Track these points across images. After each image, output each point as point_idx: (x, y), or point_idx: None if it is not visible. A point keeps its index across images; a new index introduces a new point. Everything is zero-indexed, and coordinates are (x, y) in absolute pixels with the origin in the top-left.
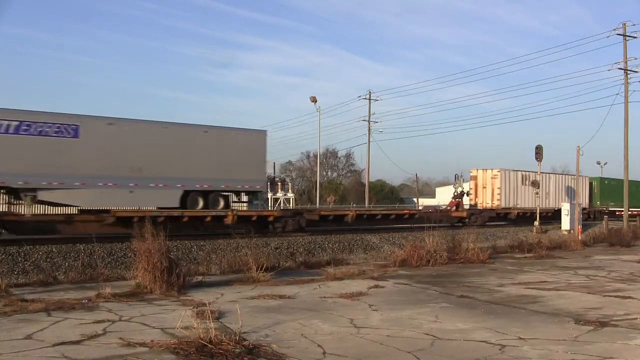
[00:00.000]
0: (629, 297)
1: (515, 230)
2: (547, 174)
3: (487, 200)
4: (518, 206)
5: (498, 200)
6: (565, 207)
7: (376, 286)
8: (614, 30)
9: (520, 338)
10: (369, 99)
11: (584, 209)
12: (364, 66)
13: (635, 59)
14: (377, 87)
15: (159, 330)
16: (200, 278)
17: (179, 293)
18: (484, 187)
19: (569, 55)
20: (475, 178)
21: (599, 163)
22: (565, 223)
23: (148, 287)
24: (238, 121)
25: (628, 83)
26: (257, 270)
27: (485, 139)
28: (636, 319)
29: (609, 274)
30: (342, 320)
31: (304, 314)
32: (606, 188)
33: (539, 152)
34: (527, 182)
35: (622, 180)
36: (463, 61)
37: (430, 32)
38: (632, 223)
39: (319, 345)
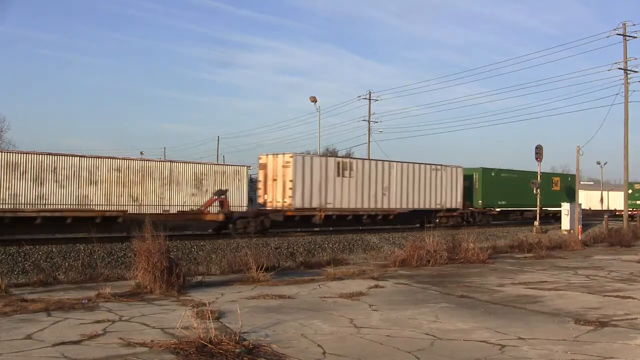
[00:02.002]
0: (629, 297)
1: (515, 230)
2: (388, 162)
3: (277, 197)
4: (329, 206)
5: (290, 197)
6: (565, 207)
7: (376, 286)
8: (614, 30)
9: (520, 338)
10: (369, 99)
11: (450, 209)
12: (364, 66)
13: (635, 59)
14: (377, 86)
15: (159, 330)
16: (200, 278)
17: (179, 293)
18: (274, 180)
19: (569, 55)
20: (264, 167)
21: (599, 163)
22: (565, 223)
23: (148, 287)
24: (238, 121)
25: (628, 83)
26: (257, 270)
27: (485, 139)
28: (636, 319)
29: (609, 273)
30: (342, 320)
31: (304, 314)
32: (493, 182)
33: (539, 152)
34: (346, 172)
35: (517, 171)
36: (463, 61)
37: (431, 32)
38: (632, 223)
39: (319, 345)
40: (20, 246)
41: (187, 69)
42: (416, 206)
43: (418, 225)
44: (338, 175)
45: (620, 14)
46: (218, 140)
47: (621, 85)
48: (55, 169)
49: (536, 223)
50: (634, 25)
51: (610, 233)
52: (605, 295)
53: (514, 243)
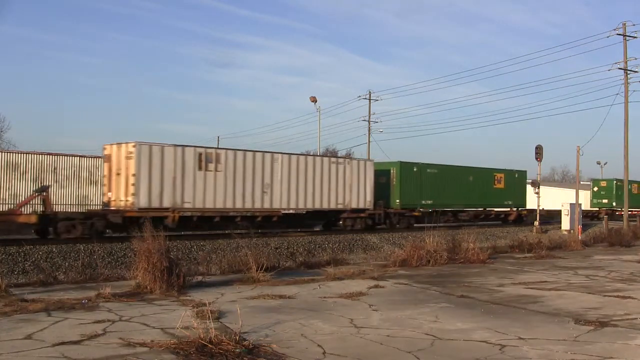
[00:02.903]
0: (629, 297)
1: (515, 230)
2: (270, 154)
3: (120, 195)
4: (186, 205)
5: (133, 195)
6: (565, 207)
7: (376, 286)
8: (614, 30)
9: (520, 338)
10: (369, 99)
11: (357, 210)
12: (364, 66)
13: (635, 59)
14: (378, 86)
15: (159, 330)
16: (200, 278)
17: (179, 293)
18: (117, 174)
19: (569, 55)
20: (109, 159)
21: (599, 163)
22: (565, 223)
23: (148, 287)
24: (238, 121)
25: (628, 83)
26: (257, 270)
27: (485, 139)
28: (636, 319)
29: (609, 273)
30: (342, 320)
31: (304, 314)
32: (415, 179)
33: (539, 152)
34: (211, 165)
35: (450, 167)
36: (463, 61)
37: (431, 32)
38: (632, 223)
39: (319, 345)
40: (20, 246)
41: (187, 69)
42: (310, 206)
43: (319, 229)
44: (200, 168)
45: (620, 14)
46: (218, 140)
47: (621, 85)
48: None
49: (536, 223)
50: (634, 25)
51: (610, 233)
52: (605, 295)
53: (514, 243)
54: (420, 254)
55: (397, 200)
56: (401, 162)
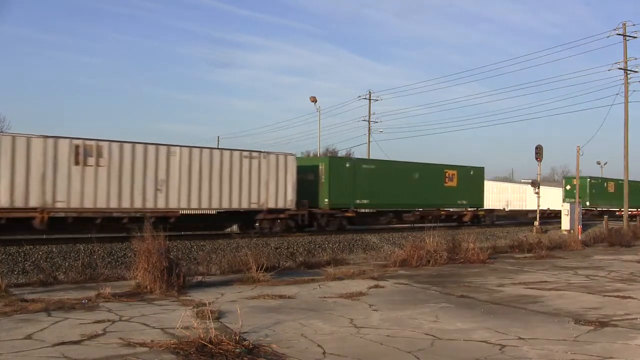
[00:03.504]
0: (629, 297)
1: (515, 230)
2: (166, 147)
3: None
4: (59, 205)
5: None
6: (565, 207)
7: (376, 286)
8: (614, 30)
9: (520, 338)
10: (369, 99)
11: (275, 210)
12: (364, 66)
13: (635, 59)
14: (378, 86)
15: (159, 330)
16: (200, 278)
17: (179, 293)
18: None
19: (569, 55)
20: None
21: (599, 163)
22: (565, 223)
23: (148, 287)
24: (238, 121)
25: (628, 83)
26: (257, 270)
27: (485, 139)
28: (636, 319)
29: (609, 273)
30: (342, 320)
31: (304, 314)
32: (348, 176)
33: (539, 152)
34: (90, 159)
35: (390, 162)
36: (463, 61)
37: (431, 32)
38: (632, 223)
39: (319, 345)
40: (20, 246)
41: (187, 69)
42: (218, 205)
43: (234, 231)
44: (77, 163)
45: (620, 14)
46: (218, 140)
47: (621, 86)
48: None
49: (536, 223)
50: (634, 25)
51: (610, 233)
52: (605, 295)
53: (514, 243)
54: (420, 254)
55: (326, 200)
56: (330, 157)
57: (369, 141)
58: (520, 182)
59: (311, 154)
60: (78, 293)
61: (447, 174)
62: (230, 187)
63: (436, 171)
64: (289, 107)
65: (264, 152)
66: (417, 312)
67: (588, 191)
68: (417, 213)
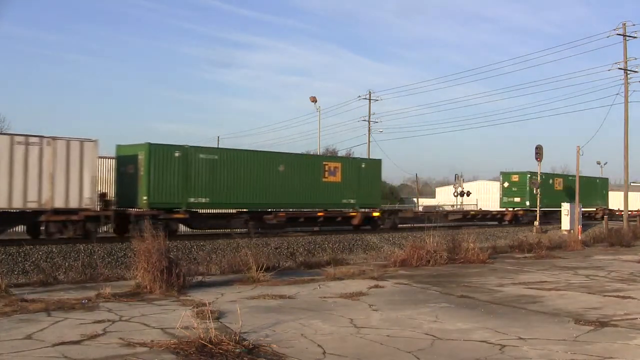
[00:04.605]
0: (629, 297)
1: (515, 230)
2: None
3: None
4: None
5: None
6: (565, 207)
7: (376, 286)
8: (614, 30)
9: (520, 338)
10: (369, 99)
11: (65, 211)
12: (364, 66)
13: (635, 59)
14: (378, 86)
15: (159, 330)
16: (200, 278)
17: (179, 293)
18: None
19: (569, 55)
20: None
21: (599, 163)
22: (565, 223)
23: (148, 287)
24: (238, 121)
25: (628, 83)
26: (257, 270)
27: (485, 139)
28: (636, 319)
29: (609, 274)
30: (342, 320)
31: (304, 314)
32: (176, 169)
33: (539, 152)
34: None
35: (236, 152)
36: (463, 61)
37: (431, 32)
38: (632, 223)
39: (319, 345)
40: (20, 246)
41: (187, 69)
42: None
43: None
44: None
45: (620, 14)
46: (218, 140)
47: (621, 85)
48: None
49: (536, 223)
50: (634, 25)
51: (610, 233)
52: (605, 295)
53: (514, 243)
54: (420, 254)
55: (145, 197)
56: (151, 145)
57: (369, 141)
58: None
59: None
60: (78, 293)
61: (326, 167)
62: None
63: (311, 163)
64: (289, 107)
65: (48, 137)
66: (417, 312)
67: (528, 189)
68: (282, 214)
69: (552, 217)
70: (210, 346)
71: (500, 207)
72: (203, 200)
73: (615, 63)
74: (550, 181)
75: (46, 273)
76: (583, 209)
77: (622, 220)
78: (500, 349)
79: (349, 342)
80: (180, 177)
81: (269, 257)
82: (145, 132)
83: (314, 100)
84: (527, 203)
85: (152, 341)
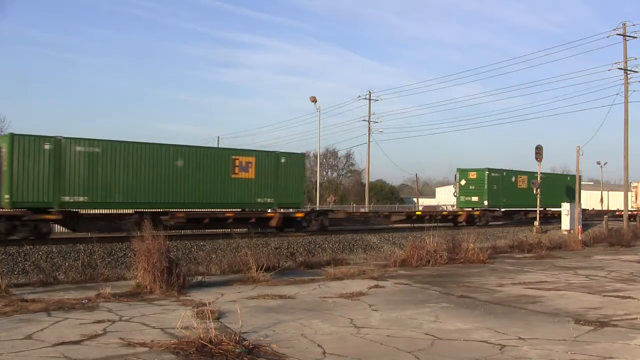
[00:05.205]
0: (629, 297)
1: (515, 230)
2: None
3: None
4: None
5: None
6: (565, 207)
7: (376, 286)
8: (614, 30)
9: (520, 338)
10: (369, 99)
11: None
12: (364, 65)
13: (635, 59)
14: (378, 86)
15: (159, 330)
16: (200, 278)
17: (179, 293)
18: None
19: (569, 55)
20: None
21: (599, 163)
22: (565, 223)
23: (148, 287)
24: (238, 121)
25: (628, 83)
26: (257, 270)
27: (485, 139)
28: (636, 319)
29: (609, 274)
30: (342, 320)
31: (304, 314)
32: (45, 162)
33: (539, 152)
34: None
35: (125, 144)
36: (463, 60)
37: (431, 31)
38: (632, 223)
39: (319, 345)
40: (20, 246)
41: (187, 69)
42: None
43: None
44: None
45: (620, 14)
46: (218, 140)
47: (621, 85)
48: None
49: (536, 223)
50: (634, 25)
51: (610, 233)
52: (605, 295)
53: (514, 243)
54: (420, 254)
55: (6, 196)
56: (15, 135)
57: (369, 141)
58: None
59: (311, 154)
60: (78, 293)
61: (237, 162)
62: None
63: (218, 157)
64: (289, 107)
65: None
66: (417, 312)
67: (487, 187)
68: (181, 215)
69: (512, 218)
70: (210, 346)
71: (458, 207)
72: (81, 199)
73: (615, 63)
74: (513, 179)
75: (46, 273)
76: (551, 209)
77: (599, 221)
78: (500, 349)
79: (349, 342)
80: (52, 172)
81: (269, 257)
82: (145, 132)
83: (314, 100)
84: (486, 202)
85: (152, 341)
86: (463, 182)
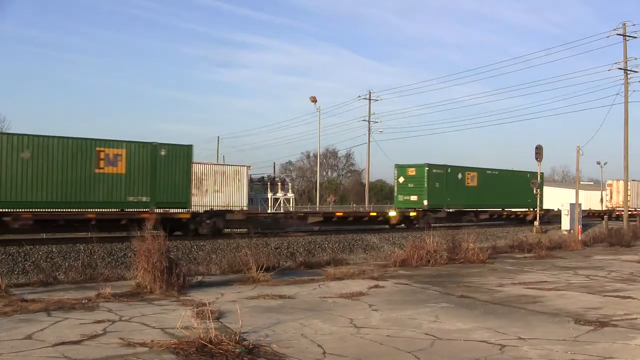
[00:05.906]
0: (629, 297)
1: (515, 230)
2: None
3: None
4: None
5: None
6: (565, 207)
7: (376, 286)
8: (614, 30)
9: (520, 338)
10: (369, 99)
11: None
12: (364, 65)
13: (635, 59)
14: (378, 86)
15: (159, 330)
16: (200, 278)
17: (179, 293)
18: None
19: (569, 55)
20: None
21: (599, 163)
22: (565, 223)
23: (148, 287)
24: (238, 121)
25: (628, 83)
26: (257, 270)
27: (485, 139)
28: (636, 319)
29: (609, 273)
30: (342, 320)
31: (304, 314)
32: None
33: (539, 152)
34: None
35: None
36: (463, 60)
37: (431, 31)
38: (632, 223)
39: (319, 345)
40: (20, 246)
41: (187, 69)
42: None
43: None
44: None
45: (620, 14)
46: (218, 140)
47: (621, 85)
48: None
49: (536, 223)
50: (634, 25)
51: (610, 233)
52: (605, 295)
53: (514, 243)
54: (420, 254)
55: None
56: None
57: (369, 141)
58: None
59: (311, 154)
60: (78, 293)
61: (102, 154)
62: None
63: (77, 148)
64: (289, 107)
65: None
66: (417, 312)
67: (427, 184)
68: (28, 216)
69: (460, 219)
70: (210, 346)
71: (396, 207)
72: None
73: (615, 63)
74: (459, 175)
75: (46, 273)
76: (511, 209)
77: (557, 223)
78: (500, 349)
79: (349, 342)
80: None
81: (269, 257)
82: (145, 132)
83: (314, 100)
84: (425, 202)
85: (152, 341)
86: (401, 179)
